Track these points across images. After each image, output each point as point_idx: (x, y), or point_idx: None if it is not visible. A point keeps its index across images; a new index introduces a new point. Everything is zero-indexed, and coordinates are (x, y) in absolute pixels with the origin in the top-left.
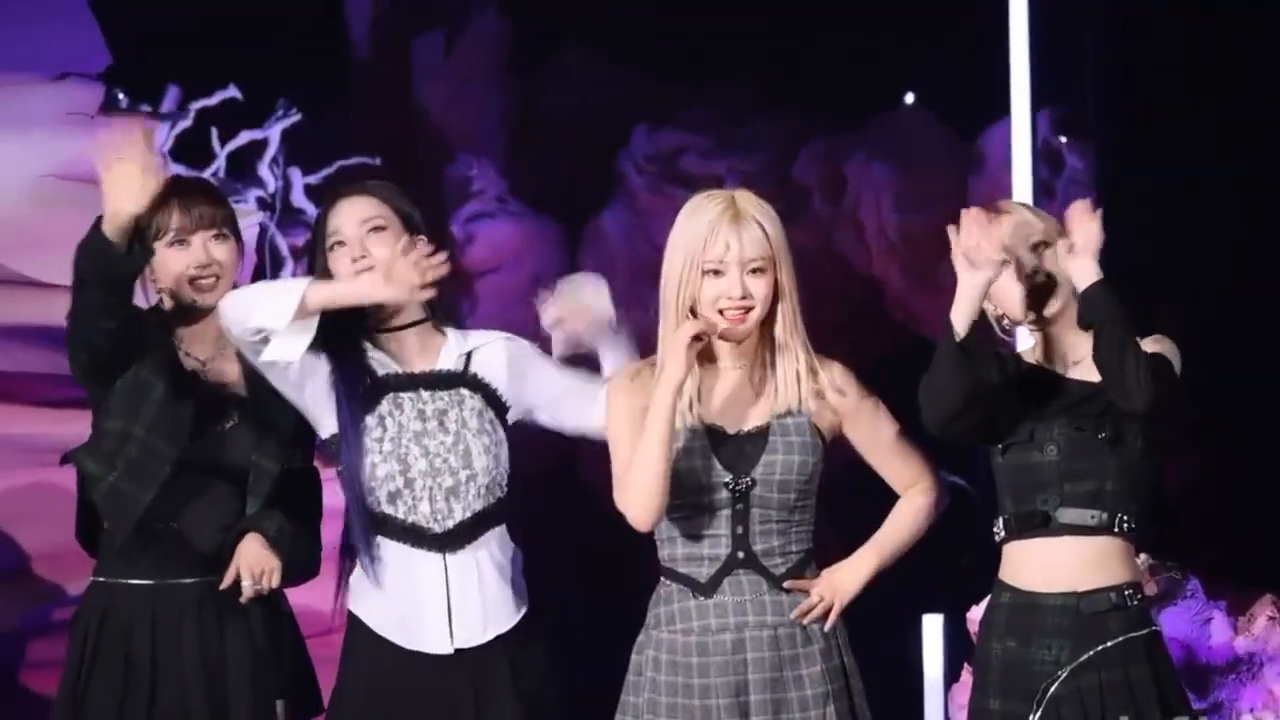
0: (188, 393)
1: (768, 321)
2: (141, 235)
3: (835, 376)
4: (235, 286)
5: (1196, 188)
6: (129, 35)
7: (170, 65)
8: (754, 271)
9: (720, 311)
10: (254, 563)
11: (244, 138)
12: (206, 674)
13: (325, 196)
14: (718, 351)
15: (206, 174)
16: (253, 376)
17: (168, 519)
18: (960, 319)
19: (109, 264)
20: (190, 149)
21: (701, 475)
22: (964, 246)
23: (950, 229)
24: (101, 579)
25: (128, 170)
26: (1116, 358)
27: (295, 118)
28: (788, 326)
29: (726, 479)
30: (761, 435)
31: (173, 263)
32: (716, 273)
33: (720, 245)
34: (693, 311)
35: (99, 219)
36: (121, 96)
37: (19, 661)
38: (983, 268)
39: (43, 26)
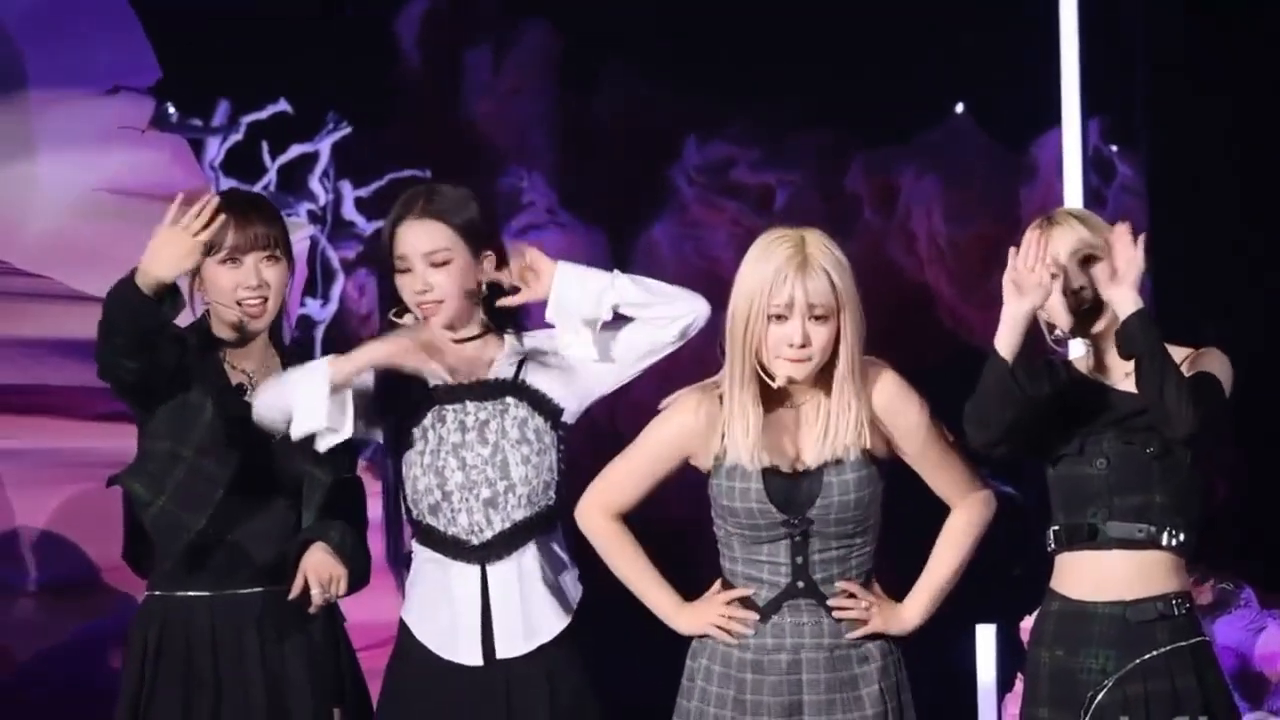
0: (237, 410)
1: (829, 364)
2: (175, 291)
3: (880, 395)
4: (284, 306)
5: (1247, 195)
6: (179, 49)
7: (220, 79)
8: (817, 319)
9: (781, 358)
10: (321, 571)
11: (294, 151)
12: (269, 685)
13: (394, 209)
14: (782, 388)
15: (257, 188)
16: None
17: (223, 532)
18: (1005, 345)
19: (138, 315)
20: (241, 163)
21: (759, 515)
22: (1016, 272)
23: (1011, 250)
24: (158, 592)
25: (180, 239)
26: (1157, 389)
27: (345, 130)
28: (845, 372)
29: (782, 519)
30: (817, 475)
31: (223, 280)
32: (780, 318)
33: (785, 293)
34: (758, 357)
35: (134, 269)
36: (172, 110)
37: (74, 675)
38: (1029, 295)
39: (93, 41)
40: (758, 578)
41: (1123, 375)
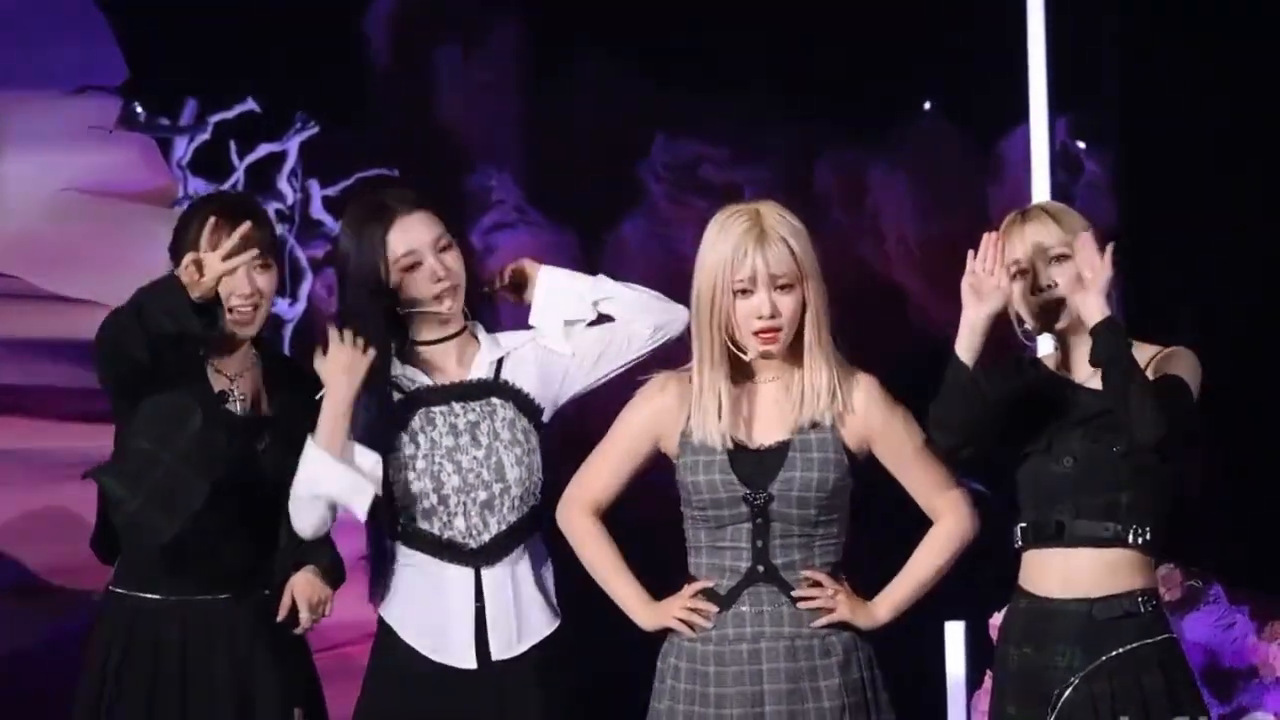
0: (221, 419)
1: (797, 336)
2: (215, 310)
3: (862, 392)
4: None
5: (1215, 191)
6: (146, 48)
7: (187, 78)
8: (781, 288)
9: (755, 333)
10: (311, 594)
11: (262, 150)
12: (238, 691)
13: (368, 217)
14: (751, 365)
15: (225, 187)
16: (279, 394)
17: (201, 538)
18: (965, 350)
19: (177, 311)
20: (208, 162)
21: (721, 489)
22: (974, 276)
23: (969, 254)
24: (121, 590)
25: (223, 269)
26: (1123, 397)
27: (313, 130)
28: (813, 340)
29: (744, 493)
30: (781, 450)
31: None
32: (746, 292)
33: (748, 266)
34: (730, 338)
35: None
36: (139, 110)
37: (38, 678)
38: (987, 300)
39: (59, 41)
40: (720, 565)
41: (1090, 373)
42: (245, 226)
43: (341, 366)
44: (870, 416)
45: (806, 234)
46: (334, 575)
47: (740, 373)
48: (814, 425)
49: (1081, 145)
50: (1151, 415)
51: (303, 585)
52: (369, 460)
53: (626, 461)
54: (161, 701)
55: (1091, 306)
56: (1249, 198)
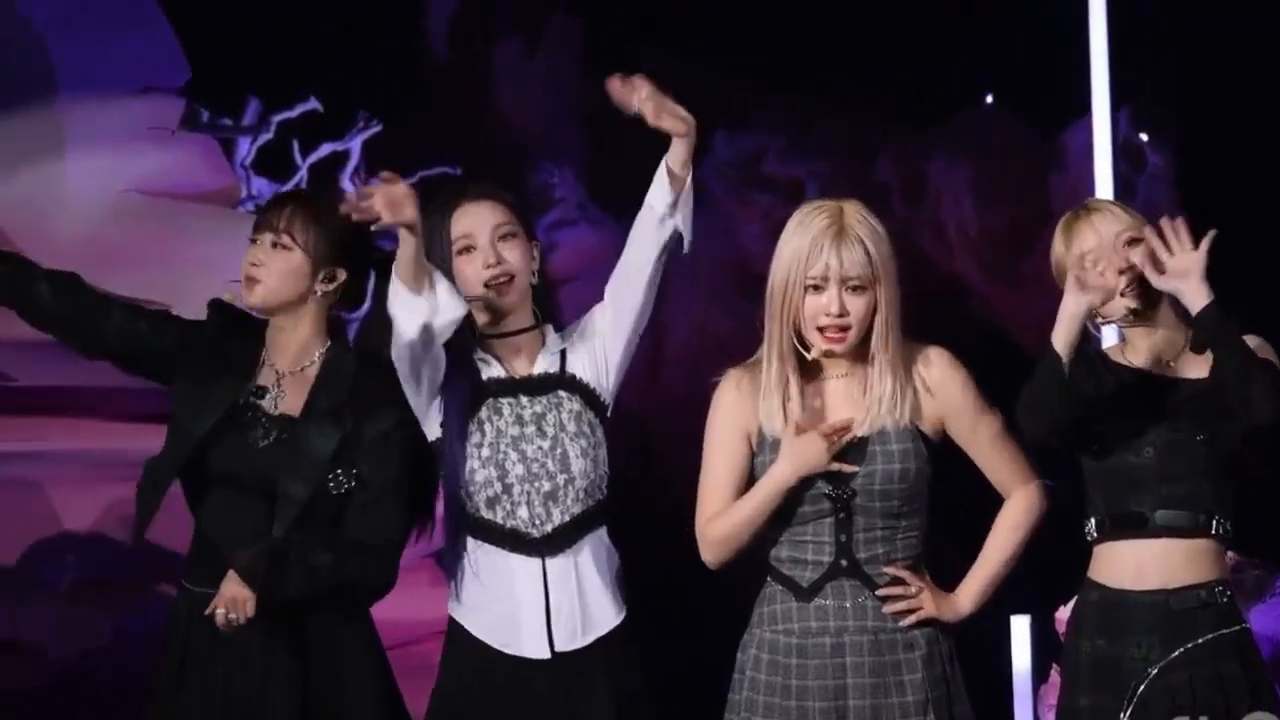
0: (217, 407)
1: (867, 335)
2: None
3: (935, 369)
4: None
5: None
6: (208, 49)
7: (250, 78)
8: (853, 289)
9: (820, 330)
10: (226, 594)
11: (325, 149)
12: (269, 688)
13: (439, 198)
14: (820, 360)
15: (288, 187)
16: (315, 398)
17: (207, 530)
18: (1061, 341)
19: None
20: (272, 162)
21: (802, 486)
22: (1083, 271)
23: (1087, 257)
24: (184, 583)
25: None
26: (1240, 379)
27: (376, 129)
28: (879, 346)
29: (827, 489)
30: (860, 446)
31: (244, 259)
32: (817, 288)
33: (821, 263)
34: (797, 332)
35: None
36: (202, 110)
37: (112, 675)
38: (1091, 293)
39: (121, 42)
40: (801, 559)
41: (1165, 363)
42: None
43: (386, 206)
44: (944, 392)
45: (887, 238)
46: (255, 574)
47: (811, 368)
48: (892, 419)
49: (1144, 137)
50: (1271, 395)
51: (225, 585)
52: (444, 288)
53: (734, 469)
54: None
55: (1195, 292)
56: None
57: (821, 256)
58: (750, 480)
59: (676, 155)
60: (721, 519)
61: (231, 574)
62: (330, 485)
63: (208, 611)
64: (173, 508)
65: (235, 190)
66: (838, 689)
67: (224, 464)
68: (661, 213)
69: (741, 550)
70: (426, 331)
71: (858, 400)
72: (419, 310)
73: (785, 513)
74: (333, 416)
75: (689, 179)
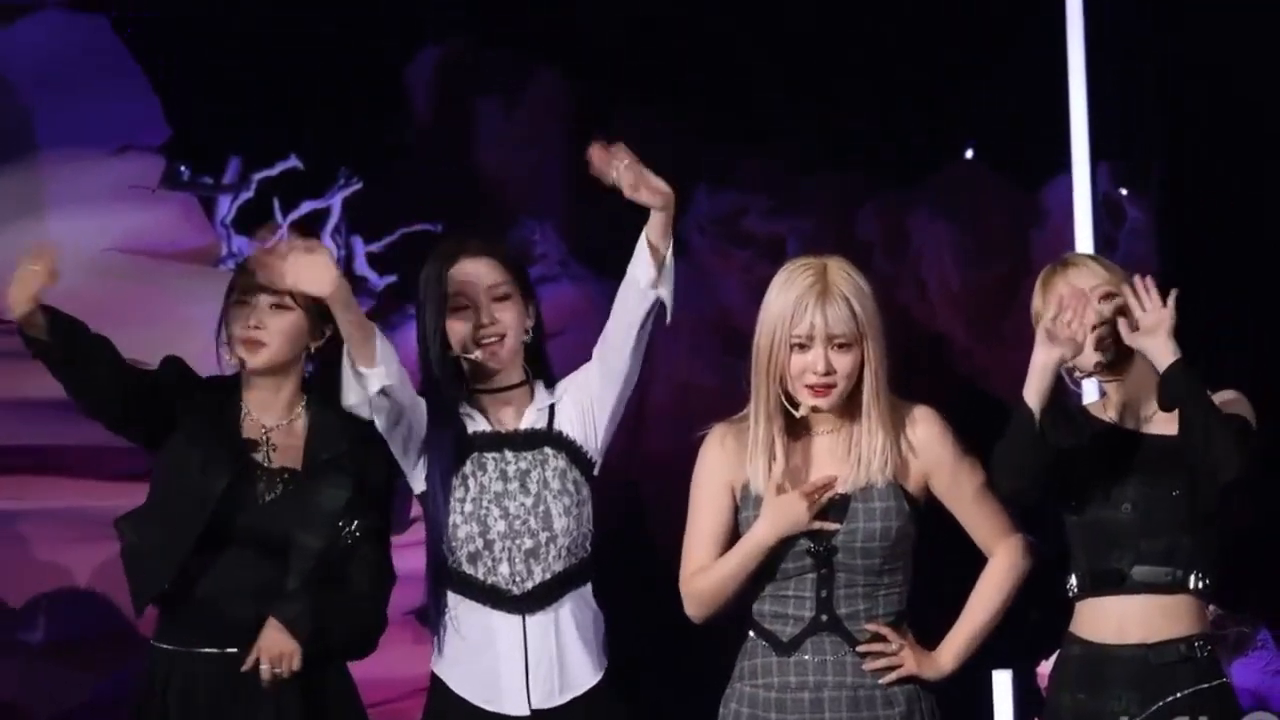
0: (232, 461)
1: (855, 390)
2: (61, 328)
3: (921, 427)
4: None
5: (1257, 237)
6: (188, 107)
7: (230, 136)
8: (839, 347)
9: (807, 387)
10: (271, 648)
11: (306, 207)
12: None
13: (438, 251)
14: (808, 417)
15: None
16: (313, 450)
17: (203, 587)
18: (1033, 395)
19: (35, 354)
20: (253, 220)
21: (784, 543)
22: (1052, 325)
23: (1053, 300)
24: (160, 644)
25: (23, 273)
26: (1203, 437)
27: (356, 186)
28: (870, 400)
29: (809, 545)
30: (843, 504)
31: (232, 321)
32: (803, 347)
33: (806, 322)
34: (784, 390)
35: None
36: (182, 168)
37: None
38: (1061, 346)
39: (102, 100)
40: (783, 614)
41: (1143, 418)
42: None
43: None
44: (929, 451)
45: (871, 294)
46: (305, 627)
47: (797, 425)
48: (875, 477)
49: (1124, 192)
50: (1236, 453)
51: (266, 638)
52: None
53: (718, 525)
54: None
55: (1162, 349)
56: None
57: (806, 315)
58: (735, 535)
59: (655, 227)
60: (704, 575)
61: (272, 627)
62: (344, 535)
63: (245, 667)
64: None
65: (216, 248)
66: None
67: (228, 520)
68: (644, 286)
69: (725, 606)
70: (389, 399)
71: (842, 457)
72: (373, 384)
73: (768, 568)
74: (338, 468)
75: (669, 251)
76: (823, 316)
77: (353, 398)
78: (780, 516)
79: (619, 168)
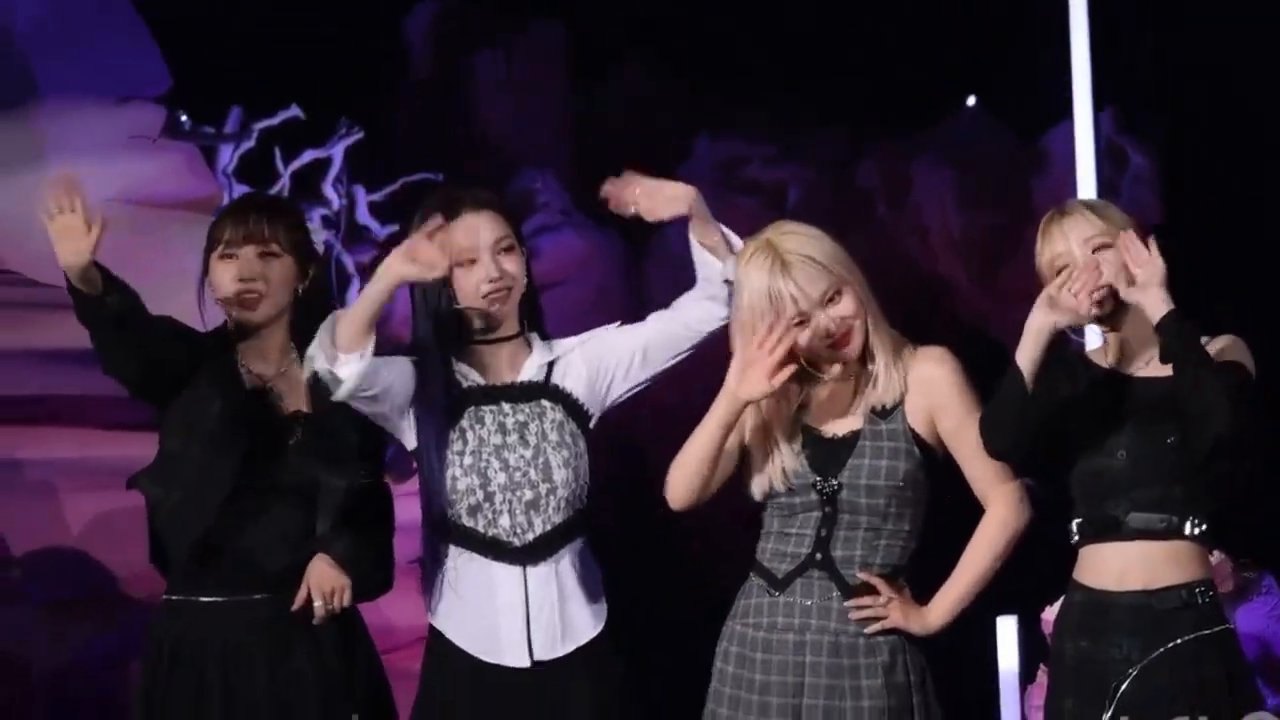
0: (246, 411)
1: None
2: (116, 285)
3: (929, 363)
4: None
5: (1261, 184)
6: (190, 58)
7: (232, 86)
8: (831, 300)
9: (830, 347)
10: (324, 583)
11: (307, 157)
12: (276, 694)
13: (435, 205)
14: (822, 363)
15: (270, 194)
16: (319, 392)
17: (234, 537)
18: (1025, 359)
19: (83, 311)
20: (254, 169)
21: (792, 476)
22: (1056, 290)
23: (1064, 270)
24: (174, 597)
25: (67, 223)
26: (1195, 389)
27: (358, 136)
28: (872, 326)
29: (814, 480)
30: (853, 439)
31: (221, 275)
32: (803, 323)
33: (789, 303)
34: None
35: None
36: (184, 118)
37: (100, 686)
38: (1059, 313)
39: (103, 51)
40: (783, 551)
41: (1142, 363)
42: (69, 181)
43: (411, 249)
44: (936, 389)
45: (826, 237)
46: (354, 563)
47: (812, 367)
48: (885, 414)
49: (1127, 139)
50: (1228, 403)
51: (317, 574)
52: (352, 363)
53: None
54: (204, 706)
55: (1154, 301)
56: None
57: (784, 297)
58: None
59: (697, 230)
60: (681, 456)
61: (322, 561)
62: (363, 475)
63: (296, 606)
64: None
65: (218, 198)
66: (796, 686)
67: (260, 468)
68: (718, 281)
69: (698, 492)
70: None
71: (856, 395)
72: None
73: (779, 505)
74: (345, 407)
75: (719, 233)
76: (798, 287)
77: (319, 366)
78: (739, 381)
79: (633, 196)
